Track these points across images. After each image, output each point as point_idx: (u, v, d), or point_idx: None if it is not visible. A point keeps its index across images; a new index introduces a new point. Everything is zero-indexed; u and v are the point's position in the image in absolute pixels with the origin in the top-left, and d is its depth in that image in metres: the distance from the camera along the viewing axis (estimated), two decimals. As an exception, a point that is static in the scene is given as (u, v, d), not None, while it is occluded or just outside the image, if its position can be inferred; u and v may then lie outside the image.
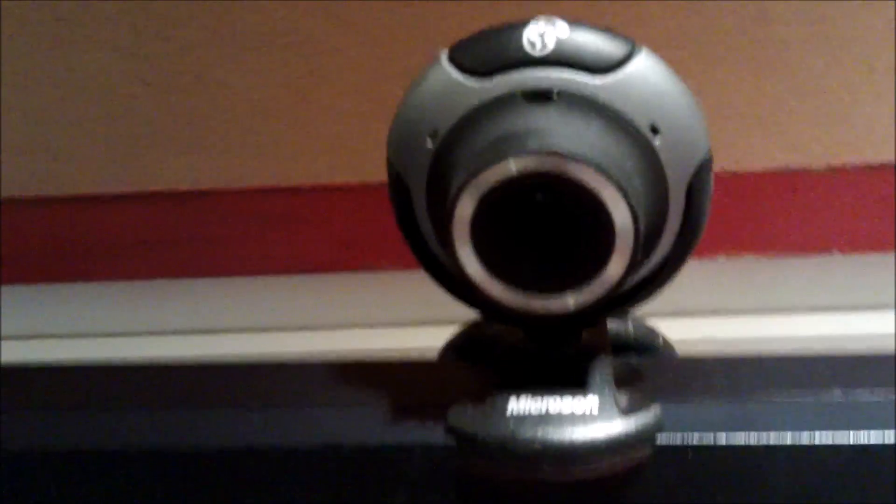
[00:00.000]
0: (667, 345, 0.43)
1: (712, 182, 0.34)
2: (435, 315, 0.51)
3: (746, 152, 1.18)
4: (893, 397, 0.35)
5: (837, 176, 1.17)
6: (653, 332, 0.42)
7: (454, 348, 0.43)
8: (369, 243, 1.25)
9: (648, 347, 0.42)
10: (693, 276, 1.13)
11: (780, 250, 1.20)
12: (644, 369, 0.38)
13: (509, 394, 0.34)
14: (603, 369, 0.35)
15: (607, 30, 0.32)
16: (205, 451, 0.34)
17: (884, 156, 1.15)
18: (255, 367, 0.39)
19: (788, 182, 1.18)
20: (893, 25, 1.10)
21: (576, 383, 0.35)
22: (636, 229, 0.30)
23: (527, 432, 0.33)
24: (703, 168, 0.33)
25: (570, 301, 0.31)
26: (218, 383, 0.38)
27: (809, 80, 1.14)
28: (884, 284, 1.14)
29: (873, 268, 1.17)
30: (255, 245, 1.26)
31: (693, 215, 0.33)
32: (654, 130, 0.32)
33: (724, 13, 1.12)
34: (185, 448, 0.35)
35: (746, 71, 1.15)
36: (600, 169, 0.29)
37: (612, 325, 0.40)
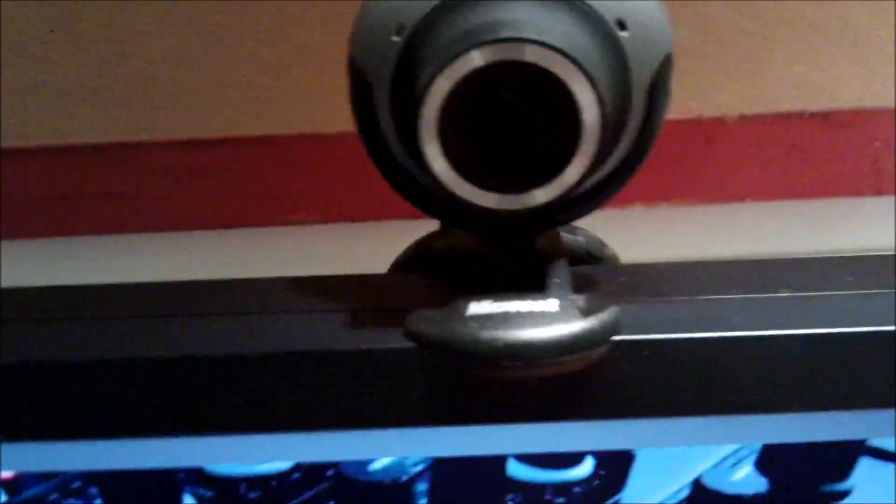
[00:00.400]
0: (615, 256, 0.43)
1: (671, 82, 0.34)
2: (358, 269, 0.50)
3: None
4: (837, 293, 0.37)
5: (750, 125, 1.19)
6: (601, 243, 0.43)
7: (401, 265, 0.43)
8: (288, 197, 1.24)
9: (598, 258, 0.43)
10: (610, 225, 1.15)
11: (695, 199, 1.22)
12: (599, 276, 0.38)
13: (469, 298, 0.34)
14: (560, 273, 0.36)
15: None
16: (173, 357, 0.34)
17: (795, 104, 1.18)
18: (212, 284, 0.39)
19: (703, 132, 1.20)
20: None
21: (535, 287, 0.35)
22: (603, 120, 0.30)
23: (489, 332, 0.33)
24: (666, 65, 0.33)
25: (539, 196, 0.31)
26: (179, 297, 0.38)
27: (722, 30, 1.16)
28: (794, 231, 1.17)
29: (784, 215, 1.21)
30: (173, 199, 1.24)
31: (653, 115, 0.34)
32: (622, 26, 0.32)
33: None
34: (154, 354, 0.34)
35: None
36: (569, 57, 0.29)
37: (566, 236, 0.41)
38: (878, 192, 1.22)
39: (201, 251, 1.22)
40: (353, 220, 1.23)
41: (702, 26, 1.14)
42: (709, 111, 1.17)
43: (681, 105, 1.17)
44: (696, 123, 1.17)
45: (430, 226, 0.46)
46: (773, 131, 1.17)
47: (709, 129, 1.18)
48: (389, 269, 0.43)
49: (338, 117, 1.16)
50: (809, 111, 1.18)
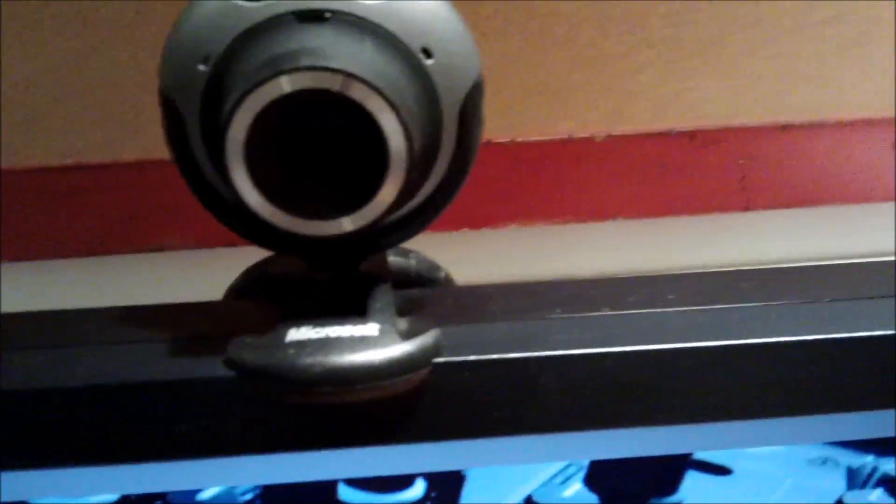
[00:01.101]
0: (449, 279, 0.44)
1: (483, 107, 0.35)
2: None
3: (531, 123, 1.21)
4: (651, 311, 0.37)
5: (619, 144, 1.22)
6: (435, 267, 0.43)
7: (236, 290, 0.43)
8: (151, 220, 1.22)
9: (431, 280, 0.43)
10: (487, 246, 1.16)
11: (567, 217, 1.24)
12: (426, 298, 0.39)
13: (289, 324, 0.34)
14: (383, 297, 0.36)
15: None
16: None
17: (660, 124, 1.21)
18: (32, 315, 0.38)
19: (572, 151, 1.22)
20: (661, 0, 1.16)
21: (356, 311, 0.35)
22: (409, 148, 0.30)
23: (307, 358, 0.33)
24: (475, 91, 0.34)
25: (347, 224, 0.32)
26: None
27: (589, 52, 1.18)
28: (662, 247, 1.19)
29: (653, 231, 1.23)
30: (38, 225, 1.21)
31: (465, 139, 0.35)
32: (427, 53, 0.33)
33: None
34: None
35: (528, 43, 1.18)
36: (372, 86, 0.30)
37: (396, 259, 0.41)
38: (747, 207, 1.26)
39: (66, 278, 1.19)
40: (216, 246, 1.22)
41: (569, 51, 1.16)
42: (578, 131, 1.19)
43: (551, 126, 1.19)
44: (566, 143, 1.19)
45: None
46: (641, 150, 1.20)
47: (578, 149, 1.20)
48: (224, 295, 0.43)
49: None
50: (676, 129, 1.21)
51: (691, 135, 1.20)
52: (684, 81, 1.20)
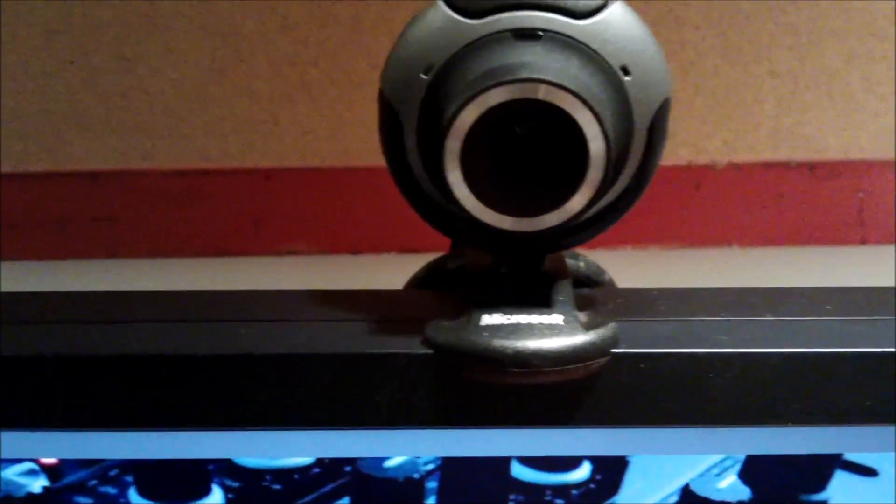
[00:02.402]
0: (612, 282, 0.47)
1: (668, 123, 0.38)
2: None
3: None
4: (816, 318, 0.40)
5: (738, 173, 1.24)
6: (601, 270, 0.47)
7: (416, 283, 0.47)
8: (278, 225, 1.27)
9: (598, 282, 0.46)
10: (603, 265, 1.19)
11: (683, 242, 1.27)
12: (598, 296, 0.42)
13: (482, 310, 0.38)
14: (564, 291, 0.39)
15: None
16: (208, 356, 0.37)
17: (781, 154, 1.23)
18: (246, 293, 0.42)
19: (692, 178, 1.25)
20: (789, 30, 1.18)
21: (541, 303, 0.38)
22: (607, 154, 0.34)
23: (501, 341, 0.36)
24: (664, 106, 0.37)
25: (548, 221, 0.35)
26: (217, 304, 0.41)
27: (713, 81, 1.20)
28: (775, 276, 1.21)
29: (768, 260, 1.25)
30: (171, 225, 1.27)
31: (652, 151, 0.38)
32: (625, 71, 0.36)
33: (635, 11, 1.18)
34: (190, 354, 0.37)
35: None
36: (577, 96, 0.33)
37: (569, 261, 0.44)
38: (863, 241, 1.27)
39: (193, 277, 1.25)
40: (341, 252, 1.26)
41: (694, 77, 1.18)
42: (699, 159, 1.22)
43: (672, 152, 1.21)
44: (687, 170, 1.22)
45: (420, 259, 0.50)
46: (760, 179, 1.22)
47: (699, 176, 1.22)
48: (405, 286, 0.47)
49: (330, 152, 1.20)
50: (796, 161, 1.23)
51: (811, 166, 1.22)
52: (805, 113, 1.22)
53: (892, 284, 0.46)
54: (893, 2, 1.14)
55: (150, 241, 1.27)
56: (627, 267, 1.19)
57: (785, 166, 1.20)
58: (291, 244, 1.26)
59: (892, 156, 1.20)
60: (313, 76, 1.17)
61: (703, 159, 1.20)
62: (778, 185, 1.21)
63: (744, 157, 1.19)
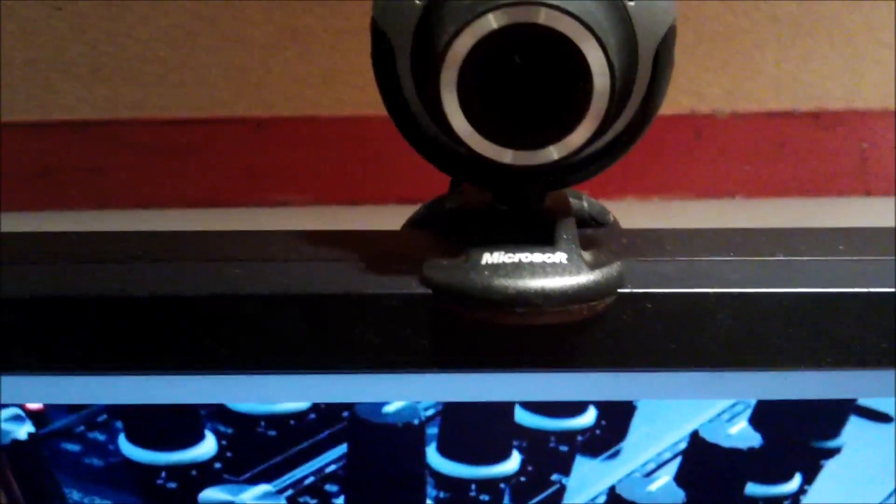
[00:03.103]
0: (616, 222, 0.45)
1: (674, 52, 0.36)
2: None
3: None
4: (830, 258, 0.39)
5: (740, 123, 1.22)
6: (605, 210, 0.45)
7: (414, 223, 0.45)
8: (273, 177, 1.25)
9: (602, 222, 0.44)
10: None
11: (685, 193, 1.25)
12: (602, 236, 0.40)
13: (482, 249, 0.36)
14: (567, 230, 0.38)
15: None
16: (199, 297, 0.36)
17: (784, 104, 1.21)
18: (236, 233, 0.40)
19: (693, 127, 1.23)
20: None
21: (544, 241, 0.37)
22: (612, 83, 0.32)
23: (502, 280, 0.35)
24: (670, 34, 0.35)
25: (551, 153, 0.33)
26: (206, 243, 0.39)
27: (715, 28, 1.18)
28: (781, 226, 1.20)
29: (771, 211, 1.23)
30: (161, 176, 1.25)
31: (658, 82, 0.36)
32: None
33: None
34: (180, 294, 0.36)
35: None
36: (580, 20, 0.31)
37: (572, 200, 0.43)
38: (867, 192, 1.25)
39: (184, 228, 1.23)
40: (336, 203, 1.24)
41: (695, 24, 1.16)
42: (700, 107, 1.20)
43: (672, 101, 1.19)
44: (688, 119, 1.20)
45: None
46: (763, 129, 1.20)
47: (700, 125, 1.20)
48: (403, 227, 0.45)
49: (324, 100, 1.18)
50: (799, 110, 1.21)
51: (815, 116, 1.20)
52: (809, 62, 1.20)
53: None
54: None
55: (139, 193, 1.25)
56: (629, 217, 1.17)
57: (788, 115, 1.19)
58: (285, 195, 1.24)
59: (894, 105, 1.18)
60: (306, 22, 1.14)
61: (704, 108, 1.18)
62: (780, 134, 1.19)
63: (746, 106, 1.17)
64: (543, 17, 0.32)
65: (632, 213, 1.18)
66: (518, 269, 0.35)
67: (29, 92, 1.21)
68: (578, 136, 0.33)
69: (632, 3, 0.35)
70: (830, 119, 1.22)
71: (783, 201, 1.23)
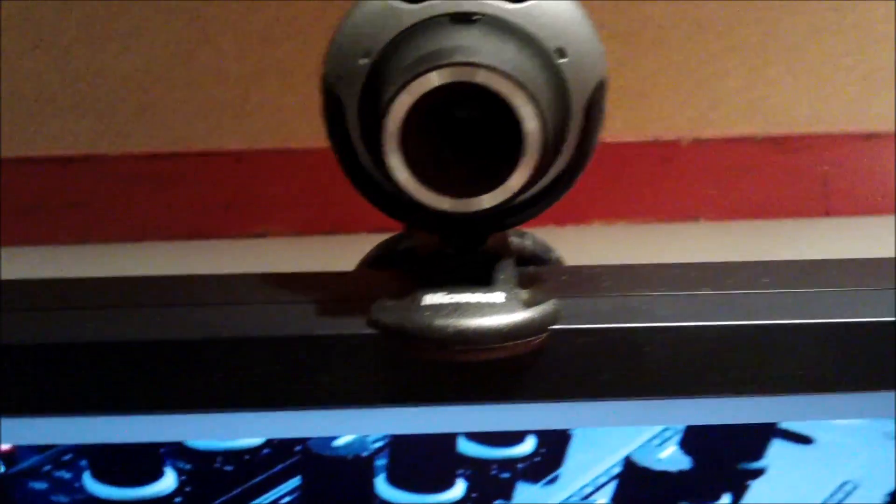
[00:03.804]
0: (560, 259, 0.48)
1: (606, 103, 0.39)
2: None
3: (618, 123, 1.25)
4: (749, 292, 0.41)
5: (704, 148, 1.25)
6: (548, 248, 0.48)
7: (368, 263, 0.48)
8: (252, 209, 1.28)
9: (545, 260, 0.47)
10: (571, 241, 1.21)
11: (652, 217, 1.28)
12: (542, 274, 0.43)
13: (426, 290, 0.39)
14: (506, 270, 0.40)
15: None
16: (156, 341, 0.38)
17: (746, 130, 1.24)
18: (191, 277, 0.43)
19: (658, 153, 1.26)
20: (751, 4, 1.18)
21: (484, 281, 0.39)
22: (543, 135, 0.34)
23: (442, 320, 0.37)
24: (600, 88, 0.38)
25: (485, 201, 0.36)
26: (162, 289, 0.42)
27: (678, 57, 1.21)
28: (743, 249, 1.22)
29: (735, 234, 1.26)
30: (142, 209, 1.27)
31: (589, 131, 0.39)
32: (561, 53, 0.37)
33: (600, -10, 1.19)
34: (139, 339, 0.38)
35: (619, 45, 1.21)
36: (513, 80, 0.34)
37: (514, 240, 0.45)
38: (827, 213, 1.28)
39: (165, 260, 1.26)
40: (315, 234, 1.27)
41: (659, 54, 1.19)
42: (665, 134, 1.23)
43: (638, 128, 1.22)
44: (653, 145, 1.23)
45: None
46: (726, 154, 1.23)
47: (665, 151, 1.23)
48: (356, 268, 0.47)
49: (301, 132, 1.20)
50: (761, 136, 1.24)
51: (775, 140, 1.23)
52: (769, 87, 1.23)
53: (858, 256, 0.47)
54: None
55: (121, 225, 1.27)
56: (595, 242, 1.20)
57: (750, 141, 1.22)
58: (264, 226, 1.26)
59: (856, 128, 1.21)
60: (282, 56, 1.17)
61: (669, 135, 1.21)
62: (743, 159, 1.22)
63: (709, 132, 1.20)
64: (479, 76, 0.34)
65: (598, 238, 1.21)
66: (457, 309, 0.38)
67: (10, 128, 1.23)
68: (513, 184, 0.36)
69: (563, 61, 0.37)
70: (792, 144, 1.25)
71: (747, 223, 1.26)
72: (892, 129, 1.24)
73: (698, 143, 1.24)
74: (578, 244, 1.12)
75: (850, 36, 1.20)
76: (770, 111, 1.22)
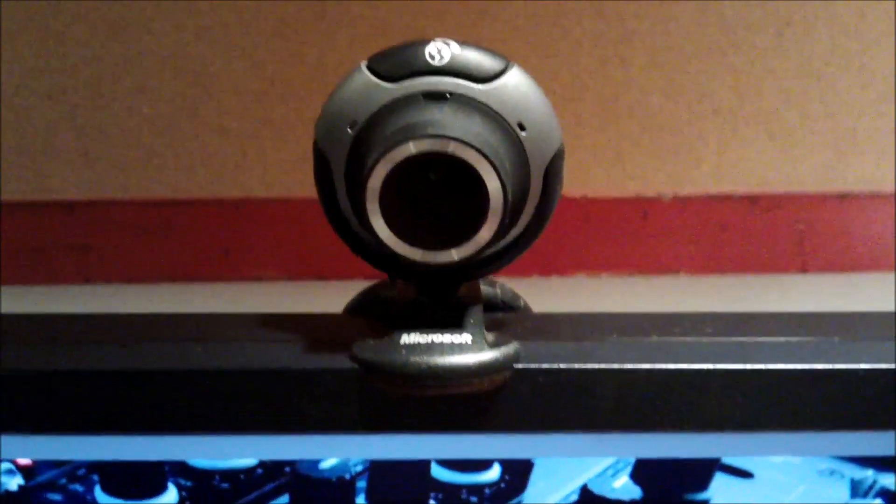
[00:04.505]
0: (527, 307, 0.53)
1: (563, 169, 0.44)
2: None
3: (600, 180, 1.30)
4: (691, 340, 0.46)
5: (683, 205, 1.30)
6: (517, 296, 0.53)
7: (353, 309, 0.53)
8: (246, 253, 1.33)
9: (512, 307, 0.52)
10: (554, 291, 1.26)
11: (633, 270, 1.33)
12: (508, 319, 0.48)
13: (403, 331, 0.44)
14: (475, 315, 0.45)
15: (489, 49, 0.43)
16: (165, 371, 0.43)
17: (725, 188, 1.29)
18: (195, 317, 0.48)
19: (640, 209, 1.31)
20: (729, 70, 1.24)
21: (455, 325, 0.44)
22: (505, 198, 0.40)
23: (416, 358, 0.42)
24: (557, 156, 0.43)
25: (454, 255, 0.41)
26: (172, 328, 0.47)
27: (658, 118, 1.27)
28: (720, 301, 1.27)
29: (713, 287, 1.31)
30: (144, 253, 1.32)
31: (548, 194, 0.44)
32: (521, 127, 0.42)
33: (583, 53, 1.24)
34: (150, 369, 0.43)
35: (601, 108, 1.27)
36: (479, 150, 0.39)
37: (485, 288, 0.50)
38: (803, 269, 1.33)
39: (164, 302, 1.30)
40: (306, 279, 1.32)
41: (641, 116, 1.25)
42: (646, 191, 1.28)
43: (620, 185, 1.28)
44: (634, 201, 1.28)
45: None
46: (705, 211, 1.28)
47: (646, 207, 1.29)
48: (343, 311, 0.53)
49: (295, 184, 1.26)
50: (739, 194, 1.29)
51: (752, 199, 1.29)
52: (746, 149, 1.29)
53: (832, 310, 0.51)
54: (827, 44, 1.22)
55: (123, 269, 1.32)
56: (578, 293, 1.25)
57: (728, 199, 1.27)
58: (259, 271, 1.31)
59: (830, 189, 1.26)
60: (279, 113, 1.23)
61: (649, 192, 1.27)
62: (721, 216, 1.27)
63: (688, 189, 1.26)
64: (451, 147, 0.40)
65: (580, 289, 1.26)
66: (430, 348, 0.43)
67: (21, 174, 1.29)
68: (479, 240, 0.41)
69: (523, 134, 0.43)
70: (768, 202, 1.30)
71: (724, 278, 1.31)
72: (865, 189, 1.29)
73: (678, 199, 1.29)
74: (561, 295, 1.17)
75: (821, 102, 1.26)
76: (747, 171, 1.28)
